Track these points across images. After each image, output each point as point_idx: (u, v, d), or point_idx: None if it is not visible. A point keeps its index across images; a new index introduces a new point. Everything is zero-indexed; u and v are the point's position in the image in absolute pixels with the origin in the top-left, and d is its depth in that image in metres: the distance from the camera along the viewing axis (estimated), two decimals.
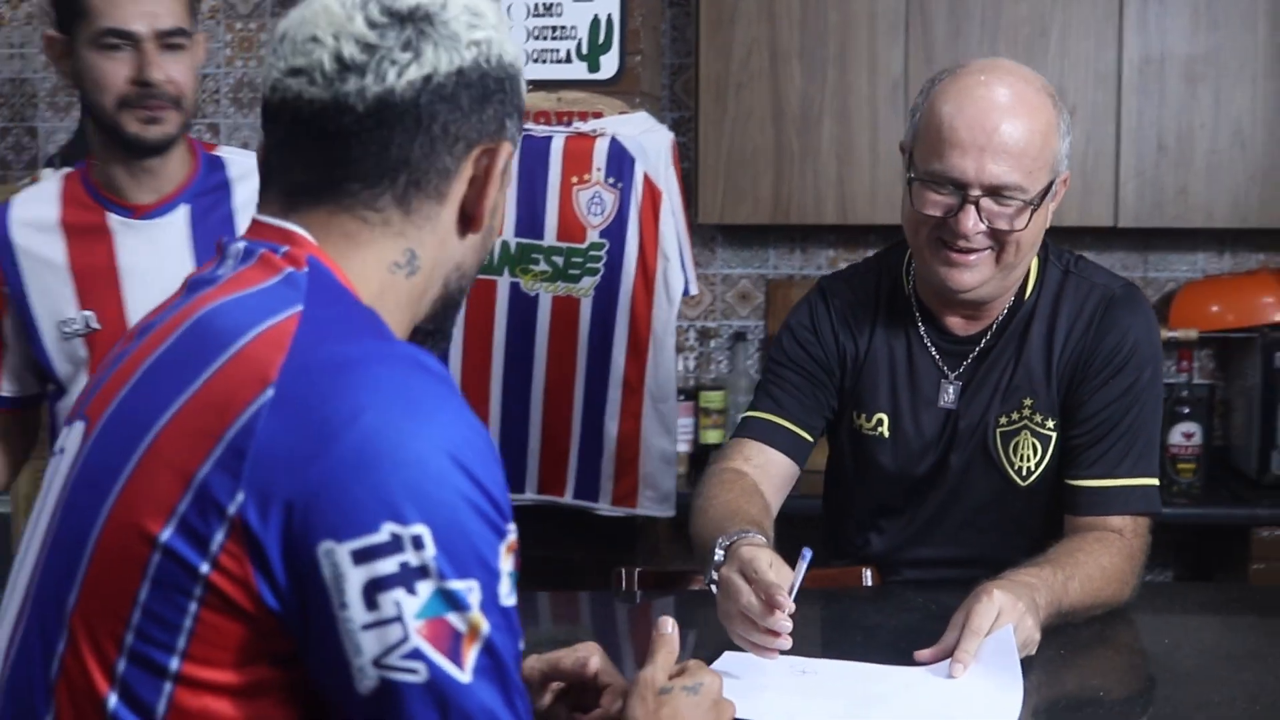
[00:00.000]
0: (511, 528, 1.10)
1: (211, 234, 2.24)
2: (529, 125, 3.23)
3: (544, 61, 3.29)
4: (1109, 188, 3.72)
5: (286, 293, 1.15)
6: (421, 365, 1.11)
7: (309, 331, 1.11)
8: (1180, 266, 4.07)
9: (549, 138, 3.18)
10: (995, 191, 2.02)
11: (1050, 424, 2.16)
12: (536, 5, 3.27)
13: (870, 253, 4.14)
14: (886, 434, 2.24)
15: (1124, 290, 2.17)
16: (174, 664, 1.05)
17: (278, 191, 1.25)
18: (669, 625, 1.43)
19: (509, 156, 1.27)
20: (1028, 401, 2.16)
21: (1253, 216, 3.73)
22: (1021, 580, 1.91)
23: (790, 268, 4.22)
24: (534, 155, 3.18)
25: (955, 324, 2.22)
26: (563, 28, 3.28)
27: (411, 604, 1.01)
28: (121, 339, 1.29)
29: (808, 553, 1.76)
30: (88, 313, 2.23)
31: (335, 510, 1.02)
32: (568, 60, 3.28)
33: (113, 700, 1.07)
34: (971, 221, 2.02)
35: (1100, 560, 2.02)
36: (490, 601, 1.05)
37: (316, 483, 1.02)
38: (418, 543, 1.02)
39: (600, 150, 3.20)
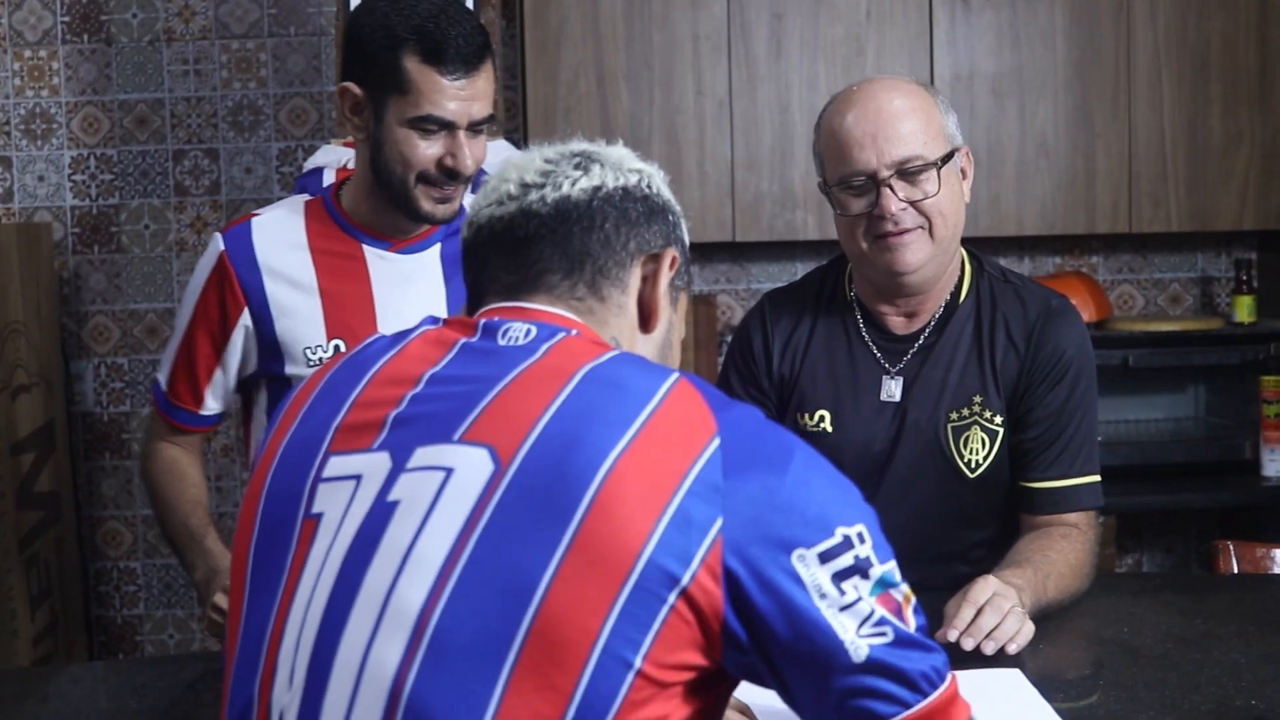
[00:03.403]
0: None
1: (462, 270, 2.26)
2: None
3: None
4: None
5: (645, 360, 1.37)
6: None
7: (705, 391, 1.30)
8: None
9: None
10: (901, 168, 2.19)
11: (998, 420, 2.27)
12: None
13: (701, 271, 4.30)
14: (830, 429, 2.32)
15: (1060, 303, 2.31)
16: (638, 662, 1.19)
17: (496, 295, 1.43)
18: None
19: (675, 264, 1.46)
20: (977, 399, 2.27)
21: (1058, 223, 3.97)
22: (1008, 582, 2.02)
23: None
24: None
25: (896, 323, 2.33)
26: None
27: (865, 586, 1.24)
28: (375, 381, 1.36)
29: None
30: (337, 341, 2.20)
31: (800, 524, 1.23)
32: None
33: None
34: (892, 201, 2.19)
35: (1068, 557, 2.16)
36: (902, 573, 1.29)
37: (782, 504, 1.24)
38: (860, 537, 1.25)
39: None
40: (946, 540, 2.32)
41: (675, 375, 1.31)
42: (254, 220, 2.26)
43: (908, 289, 2.28)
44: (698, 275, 4.32)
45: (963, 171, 2.29)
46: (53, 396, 4.04)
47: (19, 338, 3.82)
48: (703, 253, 4.28)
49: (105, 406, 4.31)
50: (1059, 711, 1.73)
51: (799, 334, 2.38)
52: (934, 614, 1.99)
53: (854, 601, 1.23)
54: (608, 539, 1.19)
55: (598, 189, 1.42)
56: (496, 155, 3.32)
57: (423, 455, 1.28)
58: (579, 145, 1.49)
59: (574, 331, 1.37)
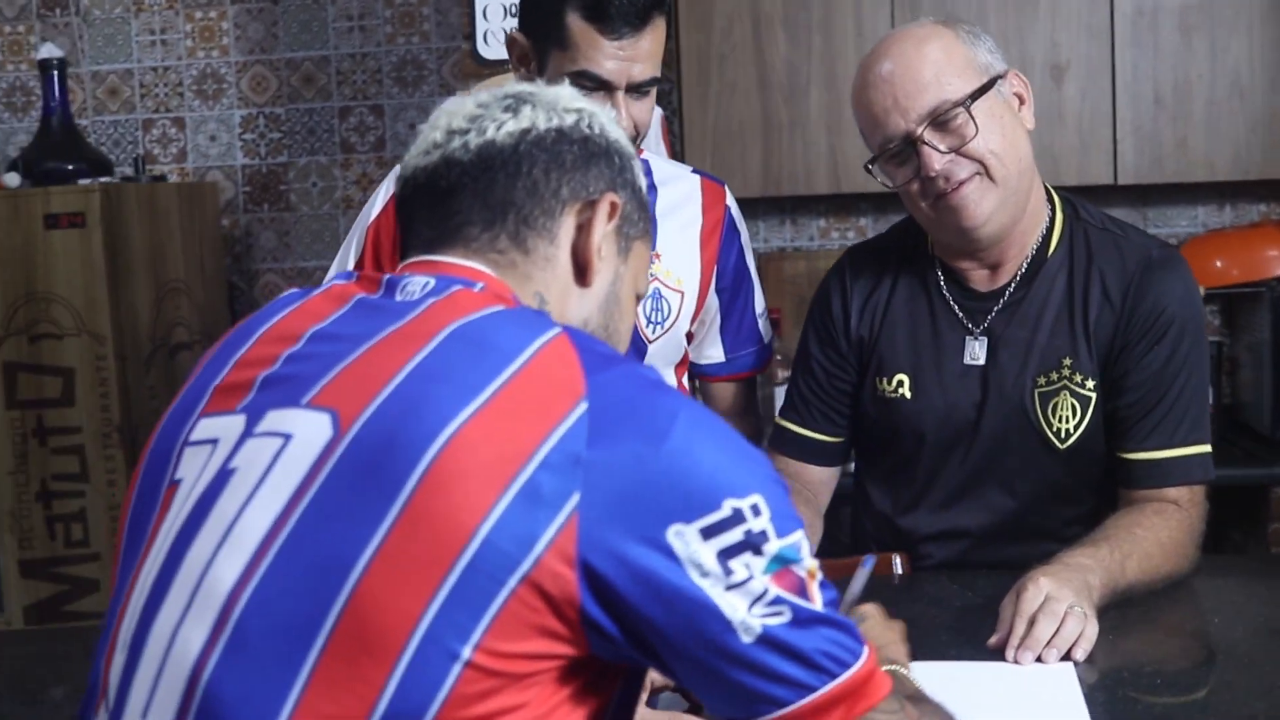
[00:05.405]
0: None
1: None
2: None
3: None
4: (1106, 144, 3.63)
5: (531, 315, 1.23)
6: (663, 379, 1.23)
7: (584, 350, 1.17)
8: (1181, 222, 3.98)
9: None
10: (934, 120, 2.02)
11: (1090, 384, 2.07)
12: None
13: (864, 221, 4.12)
14: (909, 394, 2.17)
15: (1162, 253, 2.10)
16: (466, 652, 1.07)
17: (417, 249, 1.33)
18: None
19: (616, 211, 1.34)
20: (1067, 361, 2.08)
21: (1254, 168, 3.64)
22: (1075, 563, 1.84)
23: (781, 240, 4.12)
24: None
25: (978, 278, 2.16)
26: None
27: (758, 563, 1.12)
28: (261, 339, 1.28)
29: (870, 560, 1.74)
30: None
31: (678, 498, 1.10)
32: None
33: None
34: (934, 158, 2.03)
35: (1159, 535, 1.96)
36: (811, 547, 1.17)
37: (656, 477, 1.10)
38: (755, 510, 1.12)
39: None
40: (1037, 516, 2.14)
41: (554, 331, 1.18)
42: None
43: (984, 242, 2.09)
44: (871, 228, 4.13)
45: (1018, 97, 2.10)
46: None
47: (179, 296, 3.88)
48: (865, 205, 4.09)
49: None
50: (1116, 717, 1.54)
51: (879, 293, 2.22)
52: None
53: (744, 580, 1.11)
54: (438, 516, 1.07)
55: (526, 132, 1.31)
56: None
57: (271, 420, 1.19)
58: (517, 87, 1.38)
59: (478, 285, 1.26)
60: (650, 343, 2.22)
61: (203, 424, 1.24)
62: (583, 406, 1.12)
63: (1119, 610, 1.84)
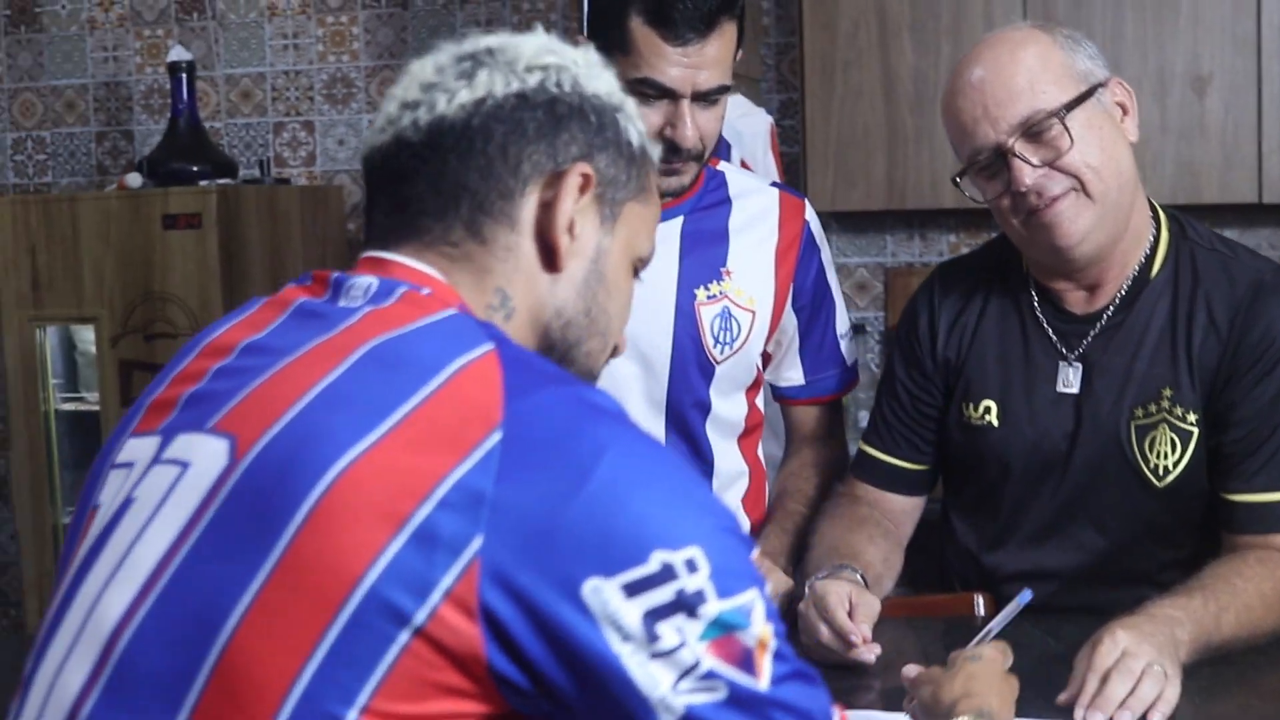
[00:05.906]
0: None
1: (701, 246, 2.13)
2: None
3: None
4: (1251, 161, 3.44)
5: (468, 327, 1.09)
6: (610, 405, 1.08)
7: (513, 371, 1.04)
8: None
9: None
10: (1026, 130, 1.90)
11: (1191, 418, 1.93)
12: None
13: (994, 235, 3.96)
14: (996, 422, 2.05)
15: (1274, 276, 1.95)
16: (352, 715, 0.96)
17: (373, 242, 1.20)
18: None
19: (590, 184, 1.18)
20: (1167, 392, 1.94)
21: None
22: (1162, 615, 1.70)
23: (909, 255, 4.00)
24: None
25: (1075, 300, 2.03)
26: None
27: (693, 628, 0.98)
28: (201, 352, 1.17)
29: (1026, 594, 1.67)
30: None
31: (597, 546, 0.97)
32: None
33: None
34: (1025, 171, 1.89)
35: (1262, 587, 1.81)
36: (769, 610, 1.02)
37: (573, 521, 0.97)
38: (690, 565, 0.98)
39: None
40: (1133, 559, 2.00)
41: (483, 348, 1.04)
42: None
43: (1080, 262, 1.96)
44: None
45: (1121, 107, 1.96)
46: None
47: None
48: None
49: None
50: None
51: (968, 313, 2.11)
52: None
53: (673, 648, 0.97)
54: (322, 561, 0.96)
55: (480, 102, 1.15)
56: (733, 111, 3.13)
57: (177, 445, 1.08)
58: (477, 42, 1.21)
59: (425, 290, 1.12)
60: (718, 364, 2.13)
61: (129, 444, 1.14)
62: (496, 436, 0.98)
63: (1212, 668, 1.71)
